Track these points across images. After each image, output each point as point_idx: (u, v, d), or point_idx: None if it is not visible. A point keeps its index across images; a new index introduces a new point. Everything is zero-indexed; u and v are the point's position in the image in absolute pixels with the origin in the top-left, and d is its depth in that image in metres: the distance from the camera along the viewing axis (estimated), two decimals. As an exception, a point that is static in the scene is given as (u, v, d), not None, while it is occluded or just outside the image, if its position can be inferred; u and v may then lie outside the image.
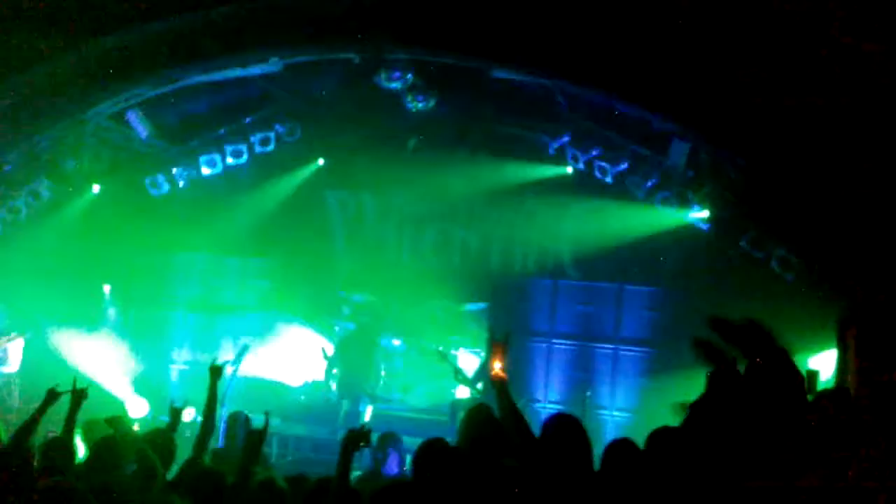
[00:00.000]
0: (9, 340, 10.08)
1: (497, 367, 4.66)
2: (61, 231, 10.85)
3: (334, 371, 11.50)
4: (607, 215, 10.72)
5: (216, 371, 5.96)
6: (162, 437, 5.53)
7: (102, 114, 9.72)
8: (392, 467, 6.22)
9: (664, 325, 10.99)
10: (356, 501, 4.30)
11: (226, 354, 10.67)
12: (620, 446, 4.26)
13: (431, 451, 4.35)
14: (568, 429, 4.33)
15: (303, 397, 11.86)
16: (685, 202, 10.05)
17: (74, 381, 5.61)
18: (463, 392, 10.55)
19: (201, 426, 5.81)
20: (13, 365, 10.43)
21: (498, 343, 4.80)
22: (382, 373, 11.79)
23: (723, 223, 9.85)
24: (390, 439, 6.31)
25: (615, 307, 11.32)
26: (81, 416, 6.90)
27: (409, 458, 5.62)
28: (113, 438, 5.40)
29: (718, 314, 3.75)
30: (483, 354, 11.13)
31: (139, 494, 4.72)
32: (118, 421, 6.22)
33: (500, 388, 4.56)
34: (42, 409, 5.37)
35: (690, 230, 10.27)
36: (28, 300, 10.67)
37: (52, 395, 5.44)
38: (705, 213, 9.95)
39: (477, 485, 4.25)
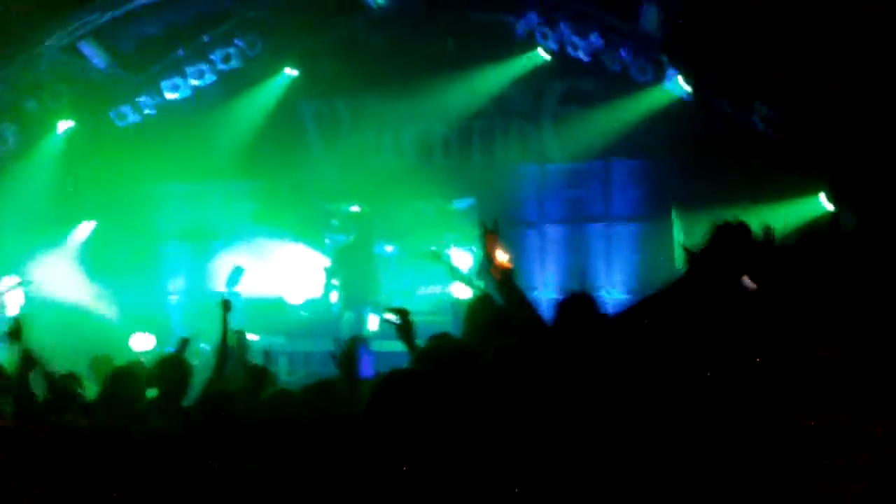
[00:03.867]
0: (8, 289, 9.90)
1: (502, 257, 4.63)
2: (33, 175, 10.62)
3: (334, 282, 11.51)
4: (585, 93, 10.57)
5: (227, 305, 6.13)
6: (175, 363, 5.55)
7: (54, 46, 9.37)
8: (366, 369, 6.27)
9: (654, 197, 10.96)
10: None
11: (221, 280, 10.73)
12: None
13: (438, 345, 4.35)
14: (583, 306, 4.35)
15: (304, 313, 11.90)
16: (661, 70, 9.85)
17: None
18: (460, 291, 10.57)
19: (217, 357, 5.87)
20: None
21: (489, 232, 4.76)
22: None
23: (702, 87, 9.67)
24: (359, 342, 6.33)
25: (603, 185, 11.24)
26: (87, 354, 6.95)
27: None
28: (126, 370, 5.43)
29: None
30: (476, 250, 11.13)
31: (163, 420, 4.75)
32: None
33: (506, 277, 4.55)
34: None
35: (671, 98, 10.10)
36: (13, 251, 10.54)
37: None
38: (682, 80, 9.77)
39: (486, 373, 4.25)
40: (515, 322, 4.50)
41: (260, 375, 5.72)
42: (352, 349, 4.83)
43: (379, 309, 11.29)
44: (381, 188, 11.46)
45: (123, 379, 5.27)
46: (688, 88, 9.74)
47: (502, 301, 4.69)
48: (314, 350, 11.08)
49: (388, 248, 12.04)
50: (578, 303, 4.45)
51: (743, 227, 3.85)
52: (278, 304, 11.81)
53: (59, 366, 5.68)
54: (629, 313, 4.22)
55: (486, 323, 4.69)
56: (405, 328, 4.84)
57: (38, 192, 10.64)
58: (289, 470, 3.59)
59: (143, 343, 10.69)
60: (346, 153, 11.78)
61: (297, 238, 11.95)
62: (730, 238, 3.91)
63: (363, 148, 11.81)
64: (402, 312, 4.87)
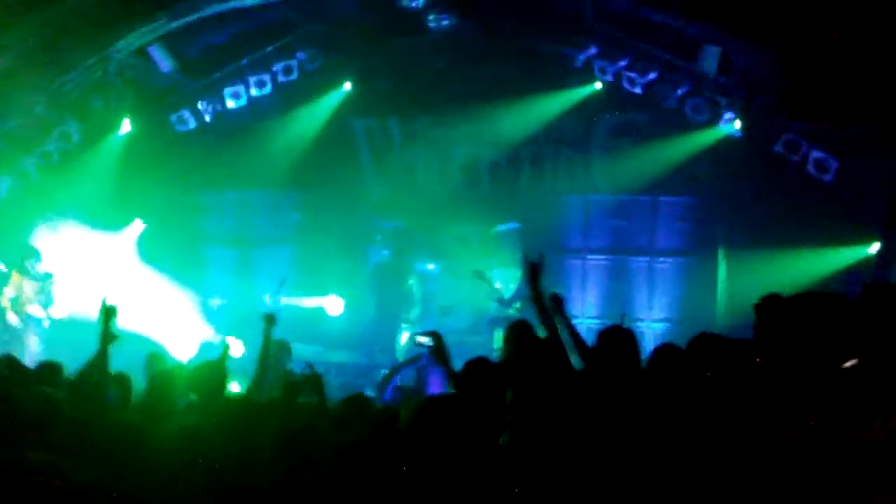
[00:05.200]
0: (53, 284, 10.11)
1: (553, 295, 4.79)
2: (93, 173, 10.88)
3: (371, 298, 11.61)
4: (637, 127, 10.61)
5: (270, 319, 6.07)
6: (213, 369, 5.62)
7: (125, 50, 9.64)
8: (434, 387, 6.34)
9: (700, 234, 10.97)
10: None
11: (265, 288, 10.88)
12: (665, 351, 4.31)
13: (476, 368, 4.40)
14: (622, 339, 4.41)
15: (341, 325, 12.00)
16: (717, 109, 9.89)
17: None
18: (499, 312, 10.60)
19: (257, 368, 5.94)
20: (61, 310, 10.43)
21: (533, 264, 4.88)
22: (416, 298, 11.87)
23: (756, 128, 9.68)
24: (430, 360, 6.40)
25: (650, 220, 11.26)
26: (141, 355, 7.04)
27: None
28: (168, 372, 5.53)
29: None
30: (516, 274, 11.16)
31: (197, 420, 4.82)
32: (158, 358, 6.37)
33: (554, 305, 4.67)
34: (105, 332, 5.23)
35: (723, 137, 10.12)
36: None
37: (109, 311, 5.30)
38: (737, 121, 9.79)
39: (523, 397, 4.30)
40: (552, 351, 4.58)
41: (297, 388, 5.62)
42: (439, 342, 4.82)
43: (410, 326, 11.40)
44: (427, 208, 11.56)
45: (165, 380, 5.37)
46: (742, 130, 9.76)
47: (543, 329, 4.78)
48: (349, 361, 11.19)
49: (430, 266, 12.12)
50: (618, 335, 4.52)
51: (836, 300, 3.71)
52: (318, 313, 11.92)
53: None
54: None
55: (524, 349, 4.74)
56: (438, 350, 4.87)
57: (96, 189, 10.88)
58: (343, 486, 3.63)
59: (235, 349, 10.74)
60: (395, 171, 11.93)
61: (339, 251, 12.06)
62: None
63: (411, 167, 11.95)
64: (434, 335, 4.90)
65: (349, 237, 12.17)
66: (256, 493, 3.51)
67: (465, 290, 11.78)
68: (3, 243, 10.16)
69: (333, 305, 12.10)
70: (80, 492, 3.50)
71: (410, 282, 11.82)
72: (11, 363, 4.82)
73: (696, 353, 4.03)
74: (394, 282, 11.62)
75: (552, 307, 4.82)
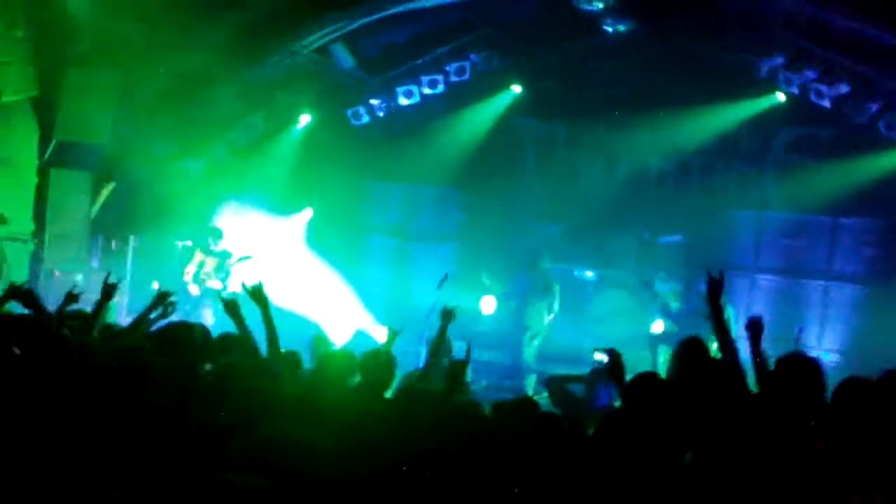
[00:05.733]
0: (239, 260, 10.72)
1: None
2: (273, 161, 11.53)
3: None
4: (819, 142, 10.00)
5: (448, 315, 5.89)
6: (381, 356, 5.78)
7: (309, 46, 10.11)
8: (602, 398, 6.27)
9: (883, 260, 10.20)
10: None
11: (424, 282, 11.10)
12: (854, 385, 4.04)
13: (644, 384, 4.30)
14: (806, 368, 4.17)
15: (491, 324, 12.06)
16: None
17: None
18: (659, 325, 10.30)
19: (429, 358, 6.03)
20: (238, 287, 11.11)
21: (714, 281, 4.69)
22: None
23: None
24: (601, 374, 6.31)
25: (828, 241, 10.61)
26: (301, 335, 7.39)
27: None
28: (334, 354, 5.74)
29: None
30: (678, 287, 10.78)
31: (363, 407, 4.99)
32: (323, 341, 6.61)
33: (756, 332, 4.51)
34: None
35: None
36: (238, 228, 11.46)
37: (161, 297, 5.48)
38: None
39: (695, 417, 4.17)
40: (729, 372, 4.40)
41: (458, 373, 5.51)
42: (618, 359, 4.75)
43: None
44: (589, 214, 11.42)
45: (333, 361, 5.57)
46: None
47: (719, 349, 4.58)
48: (496, 361, 11.23)
49: (589, 274, 11.95)
50: (801, 364, 4.28)
51: None
52: (471, 311, 12.02)
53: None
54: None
55: (698, 368, 4.59)
56: (615, 369, 4.67)
57: (275, 175, 11.51)
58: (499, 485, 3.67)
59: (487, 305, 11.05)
60: (558, 175, 11.86)
61: (495, 252, 12.13)
62: None
63: (575, 172, 11.84)
64: (612, 353, 4.71)
65: (510, 239, 12.23)
66: (411, 477, 3.61)
67: (622, 300, 11.55)
68: (191, 222, 10.90)
69: (487, 304, 12.17)
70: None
71: (556, 287, 11.72)
72: (205, 333, 5.17)
73: (889, 390, 3.77)
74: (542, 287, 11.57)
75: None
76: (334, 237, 12.46)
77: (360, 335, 10.72)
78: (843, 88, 9.32)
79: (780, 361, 4.34)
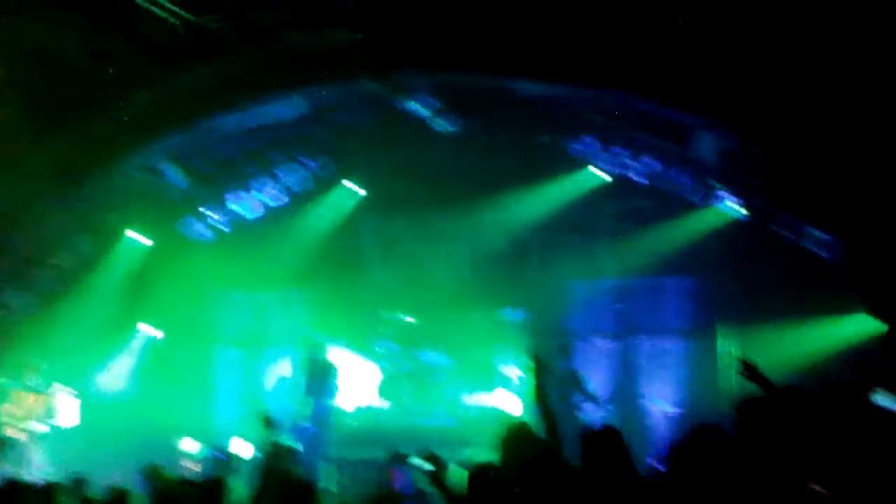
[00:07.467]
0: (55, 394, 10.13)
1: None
2: (105, 283, 11.07)
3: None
4: (642, 212, 10.91)
5: (269, 422, 5.89)
6: (213, 486, 5.57)
7: (134, 165, 9.92)
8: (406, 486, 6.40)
9: (701, 313, 11.17)
10: None
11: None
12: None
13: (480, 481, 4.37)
14: (607, 443, 4.38)
15: (355, 422, 11.98)
16: (710, 192, 10.21)
17: None
18: (507, 402, 10.63)
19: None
20: (67, 420, 10.50)
21: (539, 363, 4.97)
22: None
23: (755, 210, 9.97)
24: (400, 459, 6.43)
25: (652, 301, 11.53)
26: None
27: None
28: (174, 483, 5.53)
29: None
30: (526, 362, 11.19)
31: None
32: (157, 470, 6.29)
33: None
34: None
35: (725, 218, 10.39)
36: (73, 359, 10.88)
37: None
38: (735, 203, 10.09)
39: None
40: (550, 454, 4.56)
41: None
42: (441, 473, 4.69)
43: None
44: (434, 298, 11.72)
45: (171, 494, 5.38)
46: (742, 211, 10.04)
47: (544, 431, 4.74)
48: (363, 458, 11.12)
49: (438, 357, 12.16)
50: (601, 438, 4.46)
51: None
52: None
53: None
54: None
55: (520, 453, 4.66)
56: (437, 478, 4.60)
57: (109, 299, 11.03)
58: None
59: (190, 446, 10.80)
60: (402, 264, 12.14)
61: (350, 346, 12.16)
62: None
63: (418, 259, 12.15)
64: (436, 461, 4.60)
65: (357, 331, 12.29)
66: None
67: (471, 380, 11.87)
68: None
69: (345, 402, 12.09)
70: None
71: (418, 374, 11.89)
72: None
73: (697, 448, 4.01)
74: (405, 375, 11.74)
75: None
76: (181, 352, 12.05)
77: (211, 451, 10.36)
78: (649, 162, 10.23)
79: (583, 438, 4.48)
